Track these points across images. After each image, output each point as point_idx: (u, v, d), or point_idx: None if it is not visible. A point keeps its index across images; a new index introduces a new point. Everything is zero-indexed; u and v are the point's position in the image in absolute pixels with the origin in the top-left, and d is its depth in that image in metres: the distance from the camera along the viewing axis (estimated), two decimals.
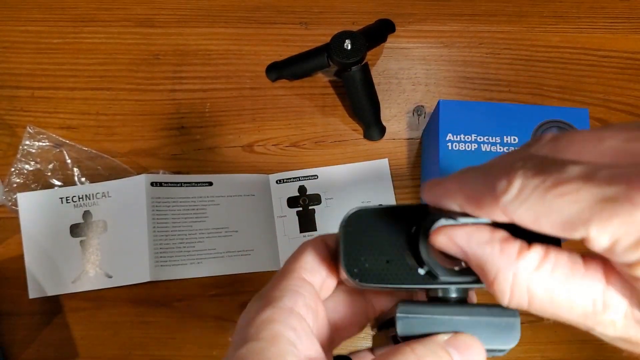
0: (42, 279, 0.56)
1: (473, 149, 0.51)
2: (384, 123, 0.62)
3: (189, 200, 0.58)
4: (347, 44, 0.55)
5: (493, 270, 0.19)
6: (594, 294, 0.18)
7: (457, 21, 0.66)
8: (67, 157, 0.59)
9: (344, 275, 0.23)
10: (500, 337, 0.22)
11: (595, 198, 0.16)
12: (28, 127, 0.60)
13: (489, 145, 0.51)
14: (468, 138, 0.51)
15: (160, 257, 0.56)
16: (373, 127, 0.61)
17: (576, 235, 0.16)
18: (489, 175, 0.18)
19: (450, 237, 0.20)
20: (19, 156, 0.59)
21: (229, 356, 0.22)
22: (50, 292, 0.56)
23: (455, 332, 0.21)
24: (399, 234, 0.23)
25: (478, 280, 0.22)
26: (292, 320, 0.22)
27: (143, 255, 0.55)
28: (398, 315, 0.22)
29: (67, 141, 0.60)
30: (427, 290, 0.23)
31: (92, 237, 0.57)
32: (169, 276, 0.56)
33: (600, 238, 0.16)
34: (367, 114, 0.60)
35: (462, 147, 0.51)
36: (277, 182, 0.60)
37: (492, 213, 0.18)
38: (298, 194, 0.60)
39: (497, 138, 0.51)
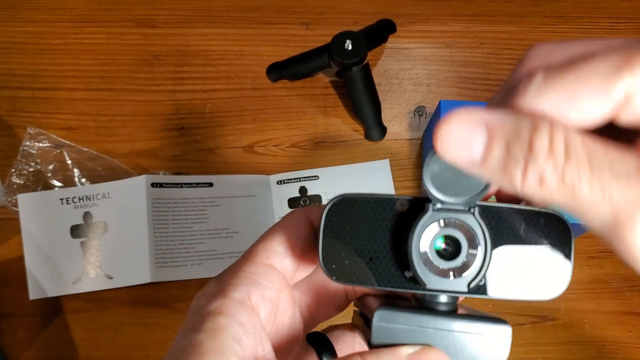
0: (43, 280, 0.56)
1: None
2: (385, 123, 0.61)
3: (189, 201, 0.58)
4: (348, 44, 0.55)
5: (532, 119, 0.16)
6: None
7: (458, 21, 0.66)
8: (67, 158, 0.59)
9: (322, 268, 0.21)
10: (487, 352, 0.20)
11: None
12: (28, 128, 0.60)
13: None
14: None
15: (161, 258, 0.56)
16: (374, 127, 0.60)
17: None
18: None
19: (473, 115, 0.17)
20: (19, 157, 0.59)
21: (174, 342, 0.21)
22: (51, 293, 0.56)
23: (424, 346, 0.20)
24: (388, 229, 0.20)
25: (470, 291, 0.20)
26: (240, 314, 0.20)
27: (143, 256, 0.55)
28: (375, 323, 0.20)
29: (68, 142, 0.60)
30: (414, 294, 0.21)
31: (93, 238, 0.57)
32: (170, 277, 0.56)
33: None
34: (368, 115, 0.60)
35: None
36: (277, 182, 0.60)
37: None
38: (299, 195, 0.60)
39: None
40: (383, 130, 0.61)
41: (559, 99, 0.17)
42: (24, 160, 0.59)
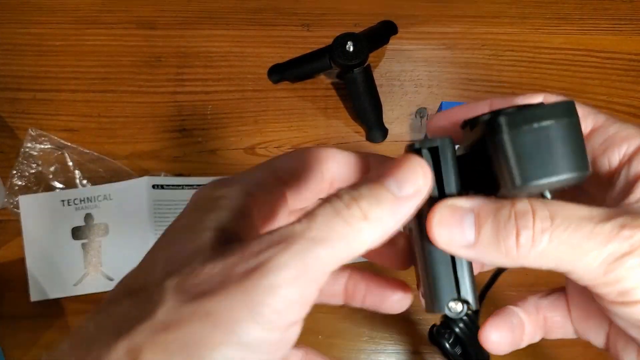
0: (44, 282, 0.56)
1: None
2: (387, 125, 0.61)
3: None
4: (349, 46, 0.55)
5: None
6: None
7: (460, 23, 0.66)
8: (68, 160, 0.59)
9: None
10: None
11: None
12: (30, 130, 0.60)
13: None
14: None
15: None
16: (375, 129, 0.60)
17: None
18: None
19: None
20: (20, 159, 0.59)
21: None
22: (52, 295, 0.56)
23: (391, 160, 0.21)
24: None
25: None
26: (236, 198, 0.21)
27: None
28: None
29: (69, 143, 0.60)
30: None
31: (94, 240, 0.57)
32: None
33: None
34: (369, 116, 0.60)
35: None
36: None
37: None
38: None
39: None
40: (384, 132, 0.61)
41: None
42: (25, 161, 0.59)
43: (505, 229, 0.19)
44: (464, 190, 0.21)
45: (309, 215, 0.18)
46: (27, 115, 0.62)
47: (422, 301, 0.23)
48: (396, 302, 0.24)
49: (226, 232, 0.19)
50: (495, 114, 0.20)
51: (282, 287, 0.16)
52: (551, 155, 0.19)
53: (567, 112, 0.19)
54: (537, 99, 0.23)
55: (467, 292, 0.21)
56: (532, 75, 0.63)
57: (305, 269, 0.17)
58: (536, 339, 0.26)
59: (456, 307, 0.21)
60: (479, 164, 0.21)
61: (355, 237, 0.17)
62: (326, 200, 0.18)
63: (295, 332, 0.18)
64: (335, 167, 0.24)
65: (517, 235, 0.19)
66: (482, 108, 0.23)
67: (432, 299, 0.21)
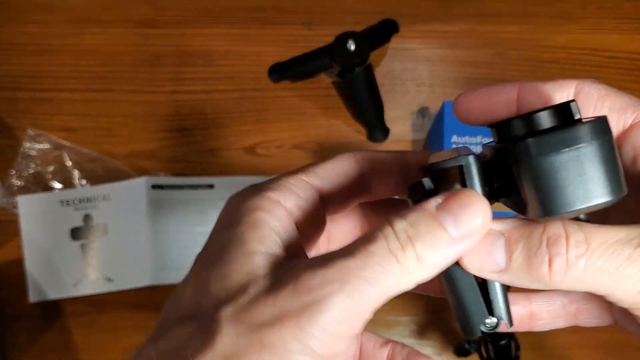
0: (43, 283, 0.56)
1: (478, 152, 0.50)
2: (388, 125, 0.61)
3: (190, 203, 0.57)
4: (351, 45, 0.55)
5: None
6: None
7: (462, 21, 0.65)
8: (67, 160, 0.59)
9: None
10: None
11: None
12: (28, 130, 0.59)
13: None
14: (473, 140, 0.51)
15: (162, 260, 0.55)
16: (377, 128, 0.60)
17: None
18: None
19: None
20: (19, 159, 0.58)
21: (212, 238, 0.22)
22: (51, 296, 0.55)
23: (452, 192, 0.18)
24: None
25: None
26: (278, 212, 0.21)
27: (144, 259, 0.55)
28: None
29: (68, 143, 0.59)
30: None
31: (93, 241, 0.56)
32: (171, 280, 0.55)
33: None
34: (370, 116, 0.59)
35: None
36: None
37: None
38: None
39: None
40: (386, 132, 0.60)
41: None
42: (23, 161, 0.59)
43: (537, 255, 0.18)
44: (491, 200, 0.20)
45: (363, 249, 0.18)
46: (26, 115, 0.61)
47: (457, 325, 0.23)
48: None
49: (274, 256, 0.20)
50: (516, 140, 0.19)
51: (333, 325, 0.17)
52: (583, 181, 0.18)
53: (600, 132, 0.18)
54: (569, 85, 0.22)
55: (501, 311, 0.21)
56: (535, 74, 0.63)
57: (356, 309, 0.18)
58: (556, 326, 0.25)
59: (491, 322, 0.21)
60: (506, 173, 0.20)
61: (407, 278, 0.18)
62: (381, 233, 0.18)
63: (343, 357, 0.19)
64: (371, 170, 0.23)
65: (550, 262, 0.18)
66: (510, 91, 0.23)
67: (465, 324, 0.21)
